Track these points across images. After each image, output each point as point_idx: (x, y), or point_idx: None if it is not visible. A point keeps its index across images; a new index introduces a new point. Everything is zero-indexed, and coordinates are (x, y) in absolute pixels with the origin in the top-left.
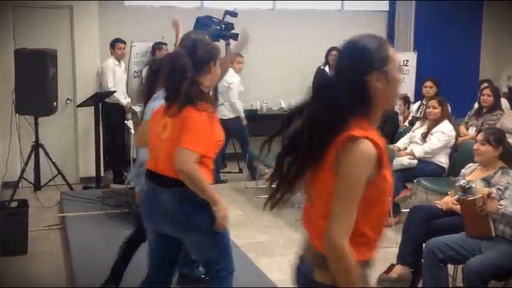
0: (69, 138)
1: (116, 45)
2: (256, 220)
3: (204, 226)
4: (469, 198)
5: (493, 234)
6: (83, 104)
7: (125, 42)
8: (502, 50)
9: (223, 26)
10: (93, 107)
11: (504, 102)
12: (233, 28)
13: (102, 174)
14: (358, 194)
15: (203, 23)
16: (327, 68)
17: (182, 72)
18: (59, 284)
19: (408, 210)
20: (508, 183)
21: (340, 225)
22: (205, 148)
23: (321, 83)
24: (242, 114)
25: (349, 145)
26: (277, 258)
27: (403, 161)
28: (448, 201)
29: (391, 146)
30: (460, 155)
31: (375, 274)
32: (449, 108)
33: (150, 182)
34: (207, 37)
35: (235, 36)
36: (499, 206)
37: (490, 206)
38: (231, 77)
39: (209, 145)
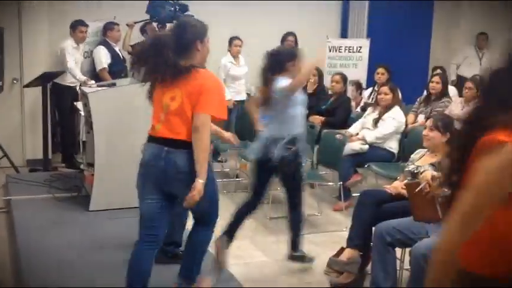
0: (16, 119)
1: (77, 28)
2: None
3: (208, 185)
4: (414, 182)
5: (439, 219)
6: (30, 85)
7: (87, 26)
8: (451, 39)
9: (177, 7)
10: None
11: (452, 89)
12: (187, 10)
13: (50, 156)
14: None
15: (156, 5)
16: None
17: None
18: (2, 268)
19: (359, 194)
20: None
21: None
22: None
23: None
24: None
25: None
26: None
27: (355, 146)
28: (397, 186)
29: (343, 132)
30: (409, 140)
31: (324, 257)
32: (400, 94)
33: (163, 146)
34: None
35: None
36: (445, 190)
37: (435, 190)
38: (223, 59)
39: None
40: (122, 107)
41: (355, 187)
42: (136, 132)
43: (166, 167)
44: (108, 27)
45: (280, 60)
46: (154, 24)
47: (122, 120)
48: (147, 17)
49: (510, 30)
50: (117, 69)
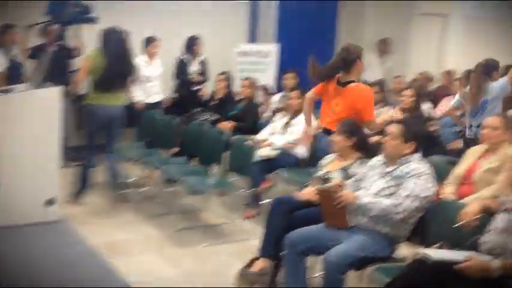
0: None
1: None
2: (115, 215)
3: None
4: (324, 187)
5: (349, 225)
6: None
7: None
8: (356, 43)
9: (79, 8)
10: None
11: None
12: (92, 11)
13: None
14: None
15: (57, 5)
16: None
17: None
18: None
19: (269, 201)
20: (364, 173)
21: None
22: None
23: None
24: (133, 100)
25: None
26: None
27: (265, 152)
28: (308, 192)
29: (253, 137)
30: (319, 145)
31: (235, 268)
32: None
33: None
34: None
35: (91, 20)
36: (355, 196)
37: (346, 196)
38: (136, 59)
39: None
40: (13, 114)
41: (265, 194)
42: (28, 139)
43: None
44: (4, 30)
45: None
46: (56, 25)
47: (14, 127)
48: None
49: (408, 35)
50: (13, 74)
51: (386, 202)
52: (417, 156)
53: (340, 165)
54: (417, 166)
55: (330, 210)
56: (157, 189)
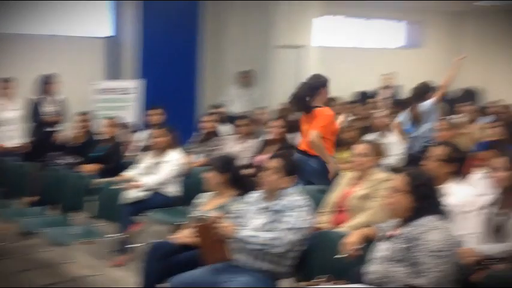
0: None
1: None
2: None
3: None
4: (201, 221)
5: (229, 259)
6: None
7: None
8: (219, 77)
9: None
10: None
11: (225, 128)
12: None
13: None
14: None
15: None
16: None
17: None
18: None
19: (141, 246)
20: (242, 209)
21: None
22: None
23: None
24: None
25: None
26: None
27: (133, 193)
28: (185, 234)
29: (120, 179)
30: (190, 182)
31: None
32: (177, 136)
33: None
34: None
35: None
36: (234, 228)
37: (225, 228)
38: None
39: None
40: None
41: (136, 237)
42: None
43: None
44: None
45: None
46: None
47: None
48: None
49: (268, 67)
50: None
51: (266, 236)
52: (295, 188)
53: (217, 203)
54: (296, 199)
55: (209, 245)
56: (14, 243)
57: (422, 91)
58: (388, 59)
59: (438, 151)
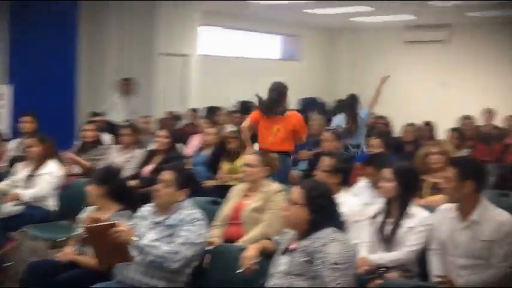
0: None
1: None
2: None
3: None
4: (96, 225)
5: (131, 260)
6: None
7: None
8: (100, 84)
9: None
10: None
11: (107, 137)
12: None
13: None
14: None
15: None
16: None
17: None
18: None
19: (14, 263)
20: (132, 225)
21: None
22: None
23: None
24: None
25: None
26: None
27: (7, 208)
28: (69, 252)
29: None
30: (71, 195)
31: None
32: (53, 145)
33: None
34: None
35: None
36: (133, 238)
37: (124, 231)
38: None
39: None
40: None
41: (10, 255)
42: None
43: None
44: None
45: None
46: None
47: None
48: None
49: (152, 74)
50: None
51: (164, 248)
52: (188, 202)
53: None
54: (190, 212)
55: (106, 247)
56: None
57: (353, 102)
58: (269, 70)
59: (325, 162)
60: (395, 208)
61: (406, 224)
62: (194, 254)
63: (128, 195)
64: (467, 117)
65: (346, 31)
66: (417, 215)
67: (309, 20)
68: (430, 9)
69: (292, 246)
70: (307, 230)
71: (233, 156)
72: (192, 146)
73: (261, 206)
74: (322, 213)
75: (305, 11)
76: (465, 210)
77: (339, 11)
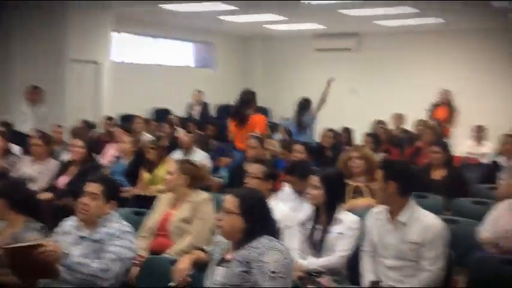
0: None
1: None
2: None
3: None
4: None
5: (58, 275)
6: None
7: None
8: (7, 91)
9: None
10: None
11: (15, 147)
12: None
13: None
14: None
15: None
16: None
17: None
18: None
19: None
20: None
21: None
22: None
23: None
24: None
25: None
26: None
27: None
28: None
29: None
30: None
31: None
32: None
33: None
34: None
35: None
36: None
37: (53, 248)
38: None
39: None
40: None
41: None
42: None
43: None
44: None
45: None
46: None
47: None
48: None
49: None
50: None
51: (95, 266)
52: (116, 214)
53: (7, 233)
54: (118, 226)
55: (30, 267)
56: None
57: (305, 105)
58: (183, 78)
59: (254, 169)
60: (324, 214)
61: (335, 229)
62: (124, 270)
63: (35, 207)
64: (380, 122)
65: (260, 39)
66: (345, 220)
67: (223, 28)
68: (339, 18)
69: (228, 257)
70: (243, 239)
71: (152, 165)
72: (108, 155)
73: (189, 216)
74: (258, 222)
75: (219, 17)
76: (394, 212)
77: (252, 19)
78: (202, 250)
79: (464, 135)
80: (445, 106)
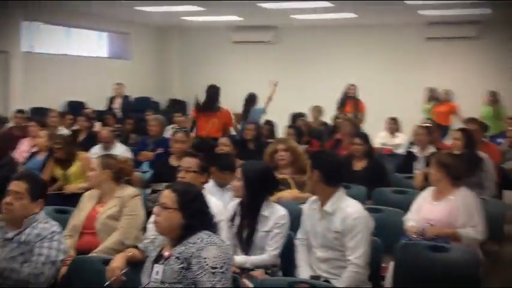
0: None
1: None
2: None
3: None
4: None
5: None
6: None
7: None
8: None
9: None
10: None
11: None
12: None
13: None
14: None
15: None
16: None
17: None
18: None
19: None
20: None
21: None
22: None
23: None
24: None
25: None
26: None
27: None
28: None
29: None
30: None
31: None
32: None
33: None
34: None
35: None
36: None
37: None
38: None
39: None
40: None
41: None
42: None
43: None
44: None
45: None
46: None
47: None
48: None
49: None
50: None
51: (26, 270)
52: (43, 214)
53: None
54: (46, 226)
55: None
56: None
57: (252, 99)
58: (97, 69)
59: (189, 163)
60: (247, 209)
61: (262, 228)
62: (54, 272)
63: None
64: (299, 115)
65: (177, 30)
66: (272, 217)
67: (140, 18)
68: (257, 10)
69: (165, 254)
70: (181, 235)
71: (65, 163)
72: (22, 150)
73: (116, 212)
74: (196, 217)
75: (135, 8)
76: (323, 202)
77: (169, 9)
78: (136, 247)
79: (378, 127)
80: (352, 100)
